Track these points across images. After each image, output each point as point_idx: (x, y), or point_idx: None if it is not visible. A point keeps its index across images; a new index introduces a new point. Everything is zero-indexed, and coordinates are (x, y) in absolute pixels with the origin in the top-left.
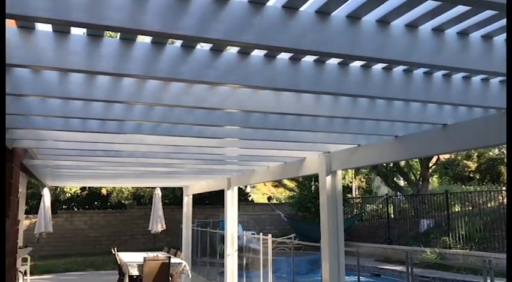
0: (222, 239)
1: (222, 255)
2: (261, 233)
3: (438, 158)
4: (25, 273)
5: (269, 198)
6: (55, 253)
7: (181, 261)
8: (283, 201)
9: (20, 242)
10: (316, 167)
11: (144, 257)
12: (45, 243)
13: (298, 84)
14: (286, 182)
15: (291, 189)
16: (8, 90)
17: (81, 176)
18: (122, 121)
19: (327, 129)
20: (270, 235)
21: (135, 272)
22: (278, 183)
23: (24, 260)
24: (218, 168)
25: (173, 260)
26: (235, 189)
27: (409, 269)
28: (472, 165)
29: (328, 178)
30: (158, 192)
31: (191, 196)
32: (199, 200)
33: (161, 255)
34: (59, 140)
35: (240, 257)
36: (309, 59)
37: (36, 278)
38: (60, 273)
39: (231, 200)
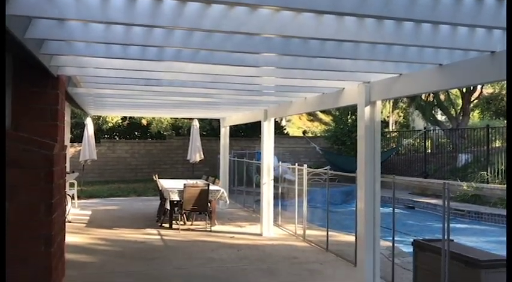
0: (258, 169)
1: (258, 185)
2: (296, 164)
3: (481, 91)
4: (73, 197)
5: (304, 132)
6: (99, 180)
7: (220, 188)
8: (319, 135)
9: (67, 168)
10: (354, 97)
11: (184, 184)
12: (90, 170)
13: (341, 6)
14: (321, 116)
15: (326, 123)
16: (52, 15)
17: (123, 105)
18: (162, 47)
19: (369, 57)
20: (305, 165)
21: (175, 197)
22: (313, 118)
23: (72, 185)
24: (255, 99)
25: (212, 187)
26: (272, 120)
27: (446, 201)
28: None
29: (367, 108)
30: (196, 124)
31: (228, 127)
32: (235, 132)
33: (200, 182)
34: (100, 68)
35: (275, 187)
36: None
37: (83, 202)
38: (105, 198)
39: (268, 131)
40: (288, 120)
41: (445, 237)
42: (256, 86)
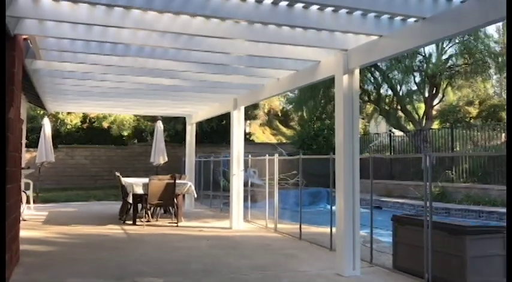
0: (224, 173)
1: (225, 189)
2: (267, 155)
3: (441, 99)
4: (28, 200)
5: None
6: (56, 187)
7: (187, 182)
8: (284, 142)
9: (22, 164)
10: (332, 68)
11: (150, 177)
12: (47, 177)
13: None
14: (284, 130)
15: (288, 137)
16: None
17: (84, 93)
18: None
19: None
20: (276, 154)
21: (139, 190)
22: (276, 132)
23: (27, 186)
24: (225, 81)
25: (178, 181)
26: (242, 109)
27: (428, 168)
28: (473, 111)
29: (345, 77)
30: (160, 125)
31: (194, 125)
32: (200, 137)
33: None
34: (63, 21)
35: (244, 191)
36: None
37: (39, 206)
38: (62, 202)
39: (238, 120)
40: (252, 133)
41: (427, 206)
42: (226, 56)
